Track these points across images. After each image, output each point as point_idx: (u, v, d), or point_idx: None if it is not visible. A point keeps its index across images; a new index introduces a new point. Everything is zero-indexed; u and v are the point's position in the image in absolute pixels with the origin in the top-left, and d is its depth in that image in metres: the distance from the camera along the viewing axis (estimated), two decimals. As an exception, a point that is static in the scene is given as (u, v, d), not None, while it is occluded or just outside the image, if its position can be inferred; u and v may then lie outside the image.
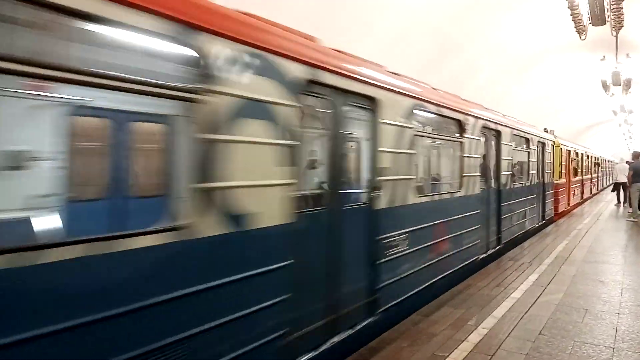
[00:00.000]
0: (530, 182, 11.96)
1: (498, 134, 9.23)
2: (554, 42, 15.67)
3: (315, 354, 4.04)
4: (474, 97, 12.05)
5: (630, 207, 15.55)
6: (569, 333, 4.99)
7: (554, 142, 15.11)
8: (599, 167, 30.90)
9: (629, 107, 24.13)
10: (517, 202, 10.57)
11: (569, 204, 18.50)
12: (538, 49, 16.49)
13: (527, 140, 11.76)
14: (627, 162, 19.58)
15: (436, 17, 11.54)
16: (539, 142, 13.12)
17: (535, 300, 6.16)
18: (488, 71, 16.65)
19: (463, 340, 4.74)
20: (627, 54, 15.72)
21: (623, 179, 18.60)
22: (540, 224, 13.25)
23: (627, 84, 16.85)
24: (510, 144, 9.93)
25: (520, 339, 4.80)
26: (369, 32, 10.36)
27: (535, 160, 12.71)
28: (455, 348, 4.55)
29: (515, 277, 7.47)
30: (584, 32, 9.79)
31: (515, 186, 10.52)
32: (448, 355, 4.38)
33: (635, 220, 14.79)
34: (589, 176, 25.22)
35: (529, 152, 11.85)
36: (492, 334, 4.95)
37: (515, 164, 10.90)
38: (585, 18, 9.50)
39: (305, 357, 3.97)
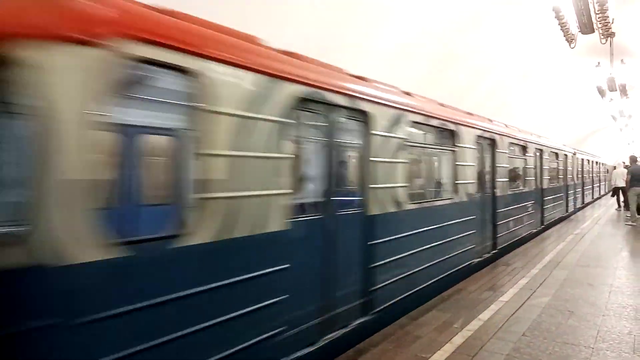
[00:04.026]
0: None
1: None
2: (548, 51, 15.86)
3: None
4: (475, 107, 12.25)
5: (629, 211, 15.63)
6: (551, 334, 5.14)
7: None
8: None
9: (628, 112, 24.25)
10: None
11: None
12: (534, 59, 16.69)
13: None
14: (625, 167, 19.70)
15: (439, 30, 11.75)
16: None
17: (523, 303, 6.31)
18: (488, 82, 16.85)
19: (447, 342, 4.90)
20: (622, 60, 15.90)
21: (621, 183, 18.72)
22: None
23: (623, 89, 17.01)
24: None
25: (502, 341, 4.95)
26: (371, 45, 10.58)
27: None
28: (439, 349, 4.71)
29: (507, 280, 7.61)
30: (573, 41, 9.99)
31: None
32: (430, 357, 4.54)
33: (634, 224, 14.87)
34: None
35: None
36: (476, 335, 5.11)
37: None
38: (574, 27, 9.71)
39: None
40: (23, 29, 2.50)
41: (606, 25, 9.58)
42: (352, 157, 5.76)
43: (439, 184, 8.30)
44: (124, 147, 5.48)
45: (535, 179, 13.16)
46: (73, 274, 2.57)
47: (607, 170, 35.47)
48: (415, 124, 6.55)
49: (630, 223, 15.09)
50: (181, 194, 3.81)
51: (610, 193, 22.97)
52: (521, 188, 11.78)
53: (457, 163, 7.90)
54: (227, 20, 4.02)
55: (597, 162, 29.78)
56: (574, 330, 5.27)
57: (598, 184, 31.00)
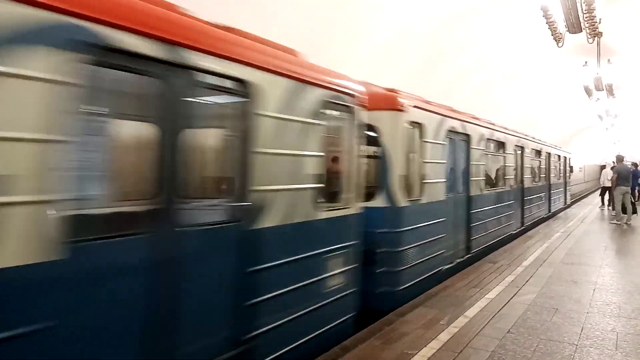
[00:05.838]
0: None
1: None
2: (536, 49, 15.97)
3: None
4: (463, 105, 12.29)
5: (614, 210, 15.84)
6: (536, 331, 5.18)
7: None
8: None
9: (614, 111, 24.52)
10: None
11: None
12: (522, 57, 16.78)
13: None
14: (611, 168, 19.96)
15: (427, 28, 11.75)
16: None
17: (509, 301, 6.36)
18: (476, 80, 16.92)
19: (433, 339, 4.92)
20: (609, 60, 16.05)
21: (609, 183, 19.01)
22: None
23: (609, 89, 17.18)
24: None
25: (488, 337, 4.98)
26: (360, 43, 10.56)
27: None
28: (425, 346, 4.72)
29: (493, 278, 7.66)
30: (561, 40, 10.06)
31: None
32: (417, 353, 4.55)
33: (619, 222, 15.07)
34: None
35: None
36: (462, 332, 5.13)
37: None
38: (562, 26, 9.78)
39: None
40: None
41: (593, 25, 9.66)
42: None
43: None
44: None
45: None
46: None
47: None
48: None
49: (615, 222, 15.30)
50: None
51: (599, 192, 23.35)
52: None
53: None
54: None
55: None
56: (558, 327, 5.32)
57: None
